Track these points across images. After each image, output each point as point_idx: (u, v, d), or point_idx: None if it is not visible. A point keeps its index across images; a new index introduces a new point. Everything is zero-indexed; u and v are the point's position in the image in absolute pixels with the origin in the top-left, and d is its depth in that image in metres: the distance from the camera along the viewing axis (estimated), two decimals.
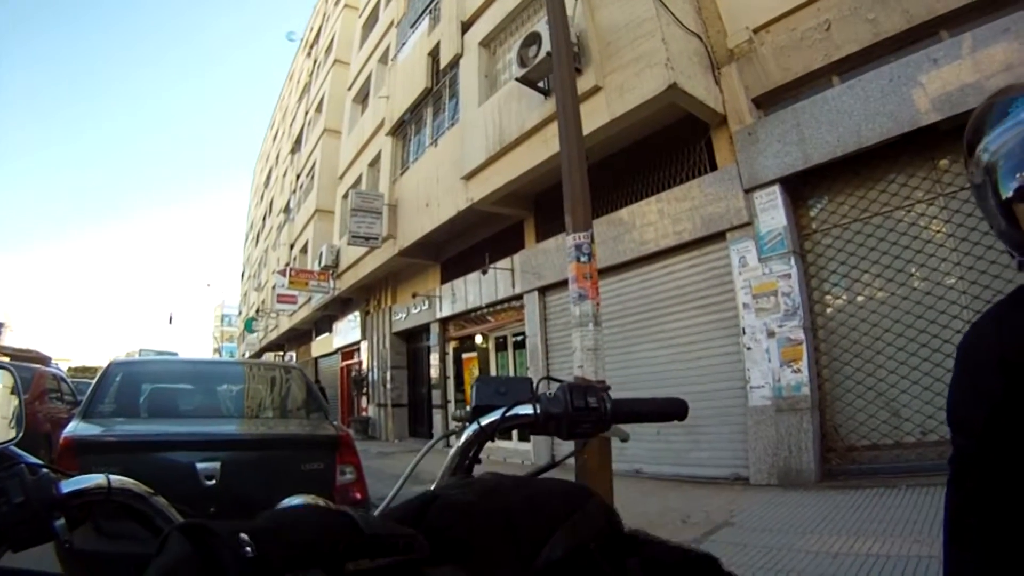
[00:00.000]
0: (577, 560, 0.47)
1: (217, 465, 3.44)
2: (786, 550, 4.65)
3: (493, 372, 12.90)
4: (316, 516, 0.51)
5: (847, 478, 6.80)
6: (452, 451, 0.85)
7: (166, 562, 0.47)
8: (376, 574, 0.44)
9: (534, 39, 9.13)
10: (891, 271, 6.87)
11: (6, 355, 17.94)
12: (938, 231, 6.60)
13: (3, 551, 0.69)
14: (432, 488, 0.80)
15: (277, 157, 38.97)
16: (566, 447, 7.75)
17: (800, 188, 7.66)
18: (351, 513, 0.51)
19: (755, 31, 8.03)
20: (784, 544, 4.80)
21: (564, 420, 0.80)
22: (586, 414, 0.80)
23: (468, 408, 0.87)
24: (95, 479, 0.77)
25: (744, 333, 7.67)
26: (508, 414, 0.80)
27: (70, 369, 32.26)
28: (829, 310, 7.43)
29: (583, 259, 5.35)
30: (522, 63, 9.40)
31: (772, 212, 7.52)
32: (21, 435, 0.90)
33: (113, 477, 0.78)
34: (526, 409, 0.78)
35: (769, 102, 8.10)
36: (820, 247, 7.50)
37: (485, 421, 0.82)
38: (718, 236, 8.21)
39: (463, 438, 0.84)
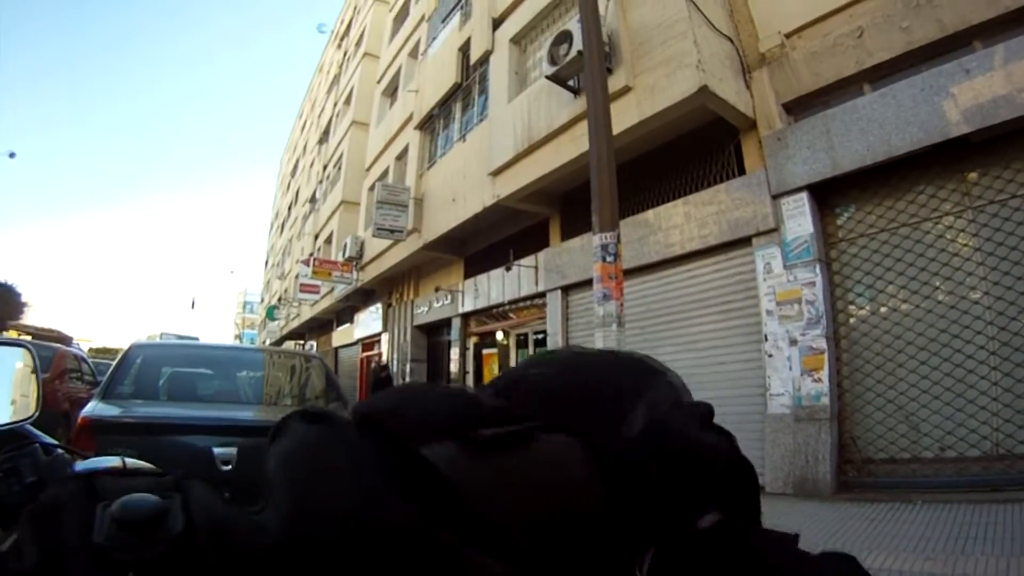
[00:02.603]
0: (654, 432, 0.48)
1: (234, 451, 3.48)
2: None
3: None
4: (435, 392, 0.50)
5: (863, 491, 6.75)
6: None
7: (289, 445, 0.46)
8: (501, 442, 0.44)
9: (565, 37, 9.13)
10: (916, 283, 6.79)
11: (28, 334, 18.15)
12: (965, 244, 6.51)
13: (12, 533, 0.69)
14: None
15: (304, 147, 39.17)
16: None
17: (828, 196, 7.59)
18: (465, 389, 0.52)
19: (787, 36, 7.97)
20: None
21: None
22: None
23: None
24: (110, 461, 0.76)
25: (766, 340, 7.62)
26: None
27: (91, 350, 32.46)
28: (852, 320, 7.35)
29: (609, 259, 5.35)
30: (552, 61, 9.40)
31: (799, 219, 7.47)
32: (38, 415, 0.89)
33: (128, 460, 0.77)
34: None
35: (799, 108, 8.03)
36: (846, 256, 7.43)
37: None
38: (744, 241, 8.16)
39: None
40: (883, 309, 7.12)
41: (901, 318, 6.91)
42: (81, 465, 0.73)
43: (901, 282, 6.92)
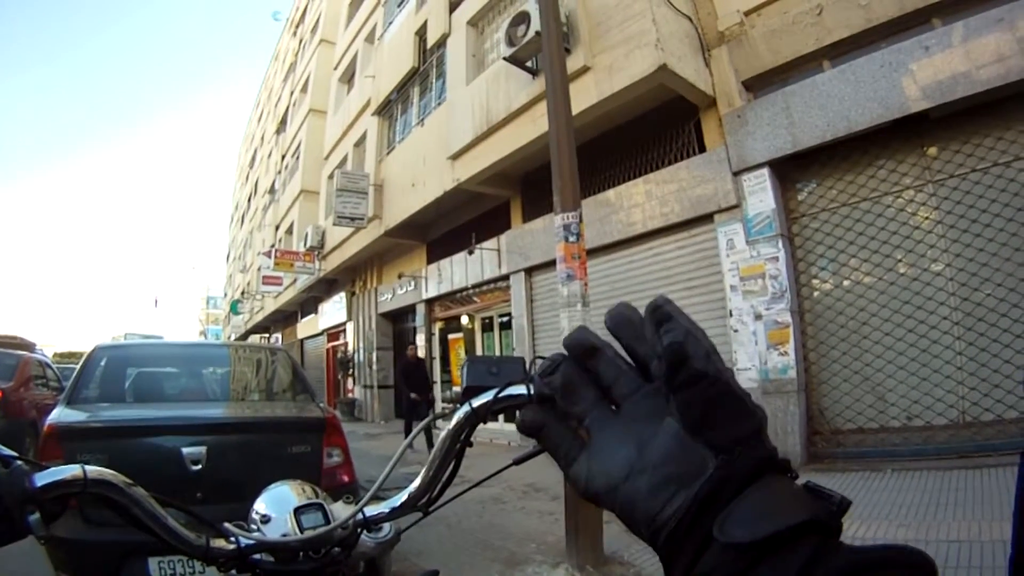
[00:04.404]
0: None
1: (203, 449, 3.38)
2: None
3: (479, 353, 12.88)
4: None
5: (833, 461, 6.87)
6: (443, 434, 0.82)
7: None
8: None
9: (523, 18, 9.06)
10: (879, 256, 6.89)
11: None
12: (926, 217, 6.61)
13: None
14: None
15: (262, 138, 38.72)
16: None
17: (789, 171, 7.64)
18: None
19: (746, 14, 8.00)
20: None
21: None
22: None
23: (458, 389, 0.80)
24: (70, 470, 0.73)
25: (731, 315, 7.67)
26: (500, 395, 0.74)
27: (55, 355, 32.06)
28: (816, 293, 7.44)
29: (571, 239, 5.29)
30: (510, 42, 9.33)
31: (760, 195, 7.51)
32: None
33: (90, 468, 0.74)
34: (519, 390, 0.73)
35: (759, 85, 8.06)
36: (808, 231, 7.50)
37: (477, 403, 0.77)
38: (706, 218, 8.21)
39: (454, 420, 0.80)
40: (846, 282, 7.20)
41: (865, 290, 7.01)
42: (41, 477, 0.70)
43: (864, 255, 7.01)
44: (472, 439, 0.83)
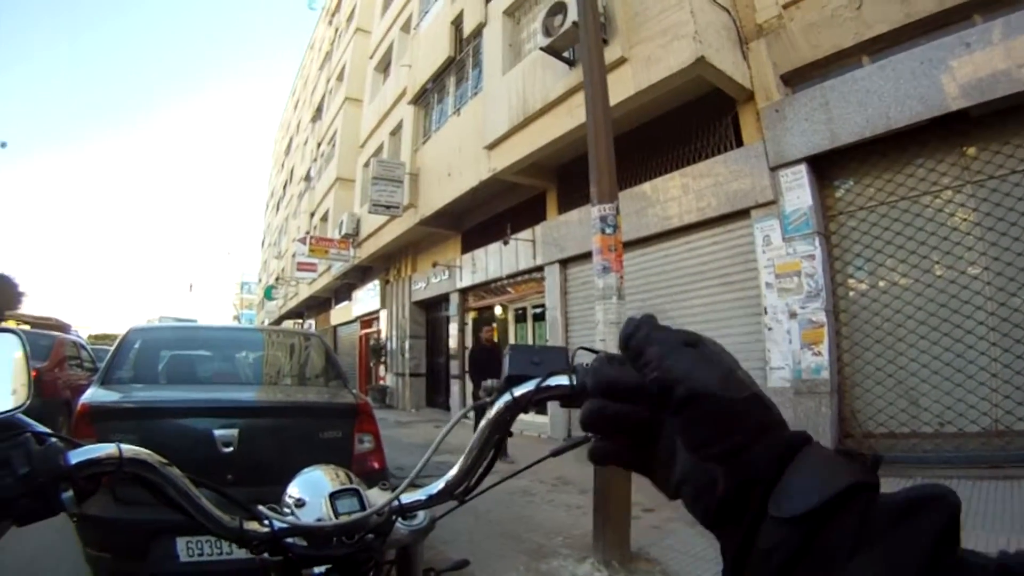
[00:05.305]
0: None
1: (235, 432, 3.43)
2: None
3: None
4: None
5: None
6: (483, 423, 0.82)
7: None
8: None
9: (559, 8, 9.02)
10: (916, 257, 6.74)
11: (27, 323, 18.26)
12: (964, 219, 6.45)
13: (7, 526, 0.67)
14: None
15: (298, 125, 39.04)
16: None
17: (827, 168, 7.51)
18: None
19: (784, 7, 7.87)
20: None
21: None
22: None
23: (498, 380, 0.81)
24: (106, 449, 0.74)
25: (766, 313, 7.60)
26: (543, 385, 0.74)
27: (90, 336, 32.62)
28: (852, 293, 7.32)
29: (608, 231, 5.28)
30: (547, 33, 9.30)
31: (798, 191, 7.41)
32: (28, 402, 0.85)
33: (125, 447, 0.75)
34: (562, 380, 0.73)
35: (797, 79, 7.93)
36: (845, 229, 7.37)
37: (519, 392, 0.77)
38: (742, 213, 8.11)
39: (494, 409, 0.80)
40: (882, 283, 7.07)
41: (900, 292, 6.86)
42: (76, 455, 0.70)
43: (900, 256, 6.86)
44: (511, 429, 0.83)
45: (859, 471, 0.42)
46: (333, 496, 0.90)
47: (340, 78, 26.48)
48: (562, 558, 4.71)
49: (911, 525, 0.38)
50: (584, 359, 0.71)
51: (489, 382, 0.83)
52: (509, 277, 13.41)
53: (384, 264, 20.16)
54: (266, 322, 42.56)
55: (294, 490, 0.96)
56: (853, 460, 0.43)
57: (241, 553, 0.87)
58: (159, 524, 2.97)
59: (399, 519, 0.92)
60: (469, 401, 14.96)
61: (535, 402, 0.77)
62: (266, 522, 0.86)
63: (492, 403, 0.80)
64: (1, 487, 0.64)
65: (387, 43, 20.64)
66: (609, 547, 4.64)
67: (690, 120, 9.08)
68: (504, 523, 5.64)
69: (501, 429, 0.82)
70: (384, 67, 21.17)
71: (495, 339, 9.76)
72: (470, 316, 15.64)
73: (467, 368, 12.22)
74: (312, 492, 0.94)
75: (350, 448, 3.81)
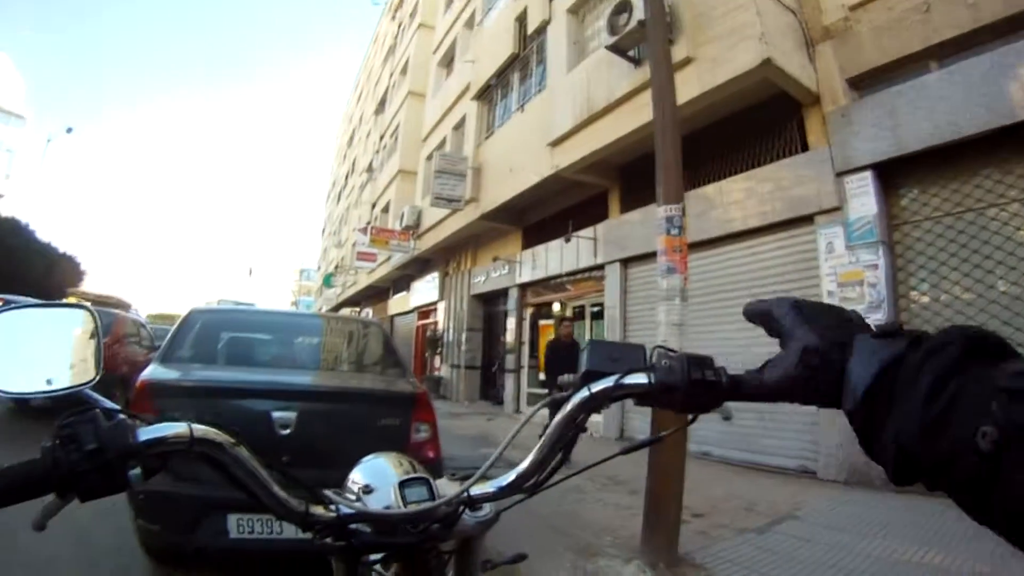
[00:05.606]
0: None
1: (293, 415, 3.45)
2: (847, 551, 4.65)
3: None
4: None
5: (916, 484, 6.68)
6: (558, 417, 0.82)
7: None
8: None
9: (624, 7, 9.09)
10: (980, 271, 6.57)
11: (89, 301, 18.82)
12: None
13: (69, 500, 0.67)
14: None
15: (361, 118, 39.57)
16: (634, 421, 7.69)
17: (892, 176, 7.38)
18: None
19: (851, 9, 7.79)
20: (846, 544, 4.80)
21: (680, 392, 0.73)
22: (704, 388, 0.72)
23: (575, 375, 0.83)
24: (177, 428, 0.74)
25: None
26: (621, 382, 0.75)
27: (150, 316, 33.54)
28: (914, 306, 7.18)
29: (673, 232, 5.28)
30: (612, 31, 9.37)
31: (863, 199, 7.33)
32: (98, 377, 0.87)
33: (196, 426, 0.76)
34: (640, 378, 0.74)
35: (864, 84, 7.83)
36: (909, 239, 7.24)
37: (596, 388, 0.78)
38: (806, 219, 8.06)
39: (570, 404, 0.80)
40: (944, 296, 6.91)
41: (963, 306, 6.70)
42: (145, 432, 0.72)
43: (964, 269, 6.70)
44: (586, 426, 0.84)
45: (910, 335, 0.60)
46: (403, 484, 0.92)
47: (403, 72, 26.69)
48: (608, 557, 4.69)
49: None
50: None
51: (566, 377, 0.84)
52: (569, 274, 13.49)
53: (444, 256, 20.41)
54: (324, 309, 43.16)
55: (359, 476, 1.00)
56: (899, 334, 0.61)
57: (290, 533, 0.94)
58: (211, 500, 3.06)
59: (467, 510, 0.92)
60: (524, 396, 15.10)
61: (612, 399, 0.78)
62: (332, 507, 0.88)
63: (568, 398, 0.81)
64: (68, 462, 0.65)
65: (450, 38, 20.87)
66: (657, 550, 4.61)
67: (755, 123, 9.05)
68: (553, 519, 5.62)
69: (576, 425, 0.82)
70: (447, 62, 21.41)
71: (573, 335, 9.76)
72: (528, 311, 15.76)
73: (542, 363, 12.11)
74: (380, 479, 0.96)
75: (407, 436, 3.80)
